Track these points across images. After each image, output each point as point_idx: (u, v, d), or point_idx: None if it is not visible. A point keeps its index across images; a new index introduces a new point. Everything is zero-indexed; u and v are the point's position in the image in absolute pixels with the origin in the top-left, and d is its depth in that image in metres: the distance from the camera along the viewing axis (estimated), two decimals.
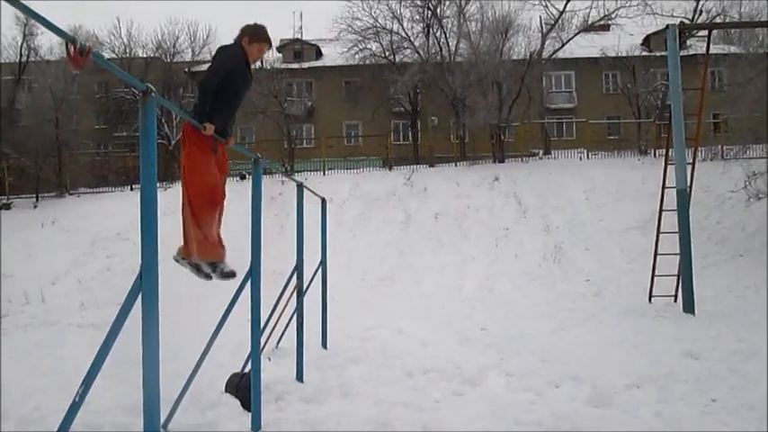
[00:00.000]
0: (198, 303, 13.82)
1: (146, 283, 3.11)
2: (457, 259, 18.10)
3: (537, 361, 7.31)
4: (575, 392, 5.86)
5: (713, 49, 13.71)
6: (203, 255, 4.57)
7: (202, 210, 4.38)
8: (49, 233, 21.55)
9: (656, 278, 12.27)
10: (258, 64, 30.53)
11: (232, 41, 4.68)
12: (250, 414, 5.05)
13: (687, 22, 24.42)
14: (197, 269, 4.70)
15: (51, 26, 2.50)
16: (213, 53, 4.64)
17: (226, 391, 6.03)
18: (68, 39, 2.52)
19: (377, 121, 31.77)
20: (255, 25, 4.72)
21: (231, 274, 4.72)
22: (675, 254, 11.44)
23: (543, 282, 16.21)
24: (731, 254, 15.94)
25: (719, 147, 21.77)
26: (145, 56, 34.88)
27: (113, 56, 33.23)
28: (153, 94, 3.16)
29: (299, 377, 6.65)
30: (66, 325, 13.37)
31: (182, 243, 4.66)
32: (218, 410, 5.55)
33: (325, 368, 7.23)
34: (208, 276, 4.71)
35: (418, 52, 30.13)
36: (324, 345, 8.62)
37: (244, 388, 5.46)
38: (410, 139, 32.73)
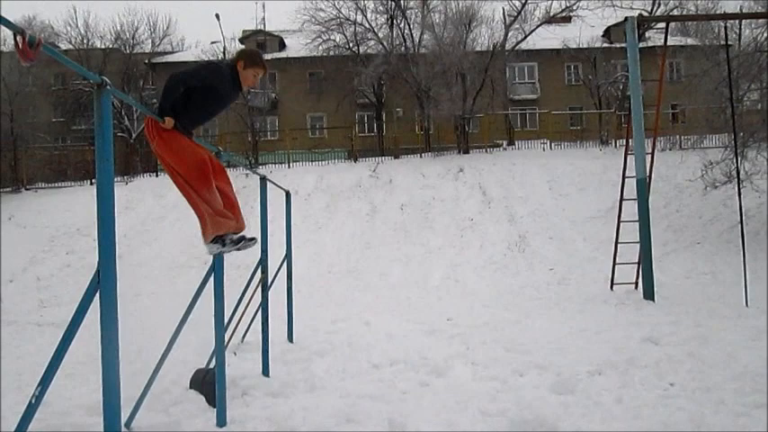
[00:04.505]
0: (162, 299, 13.64)
1: (104, 280, 3.05)
2: (422, 250, 18.17)
3: (502, 350, 7.39)
4: (539, 380, 5.94)
5: (671, 41, 13.97)
6: (216, 229, 4.52)
7: (200, 187, 4.34)
8: (5, 230, 20.93)
9: (617, 266, 12.50)
10: (221, 56, 30.16)
11: (229, 61, 4.73)
12: (215, 410, 5.01)
13: (646, 14, 24.87)
14: (223, 243, 4.62)
15: None
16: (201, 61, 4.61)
17: (190, 387, 5.96)
18: (16, 30, 2.42)
19: (341, 112, 31.66)
20: (251, 51, 4.86)
21: (245, 243, 4.70)
22: (636, 242, 11.68)
23: (508, 271, 16.38)
24: (689, 241, 16.35)
25: (678, 137, 22.24)
26: (103, 47, 34.03)
27: (70, 47, 32.38)
28: (108, 86, 3.08)
29: (265, 372, 6.61)
30: (24, 324, 13.05)
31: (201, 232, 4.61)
32: (183, 407, 5.49)
33: (291, 362, 7.20)
34: (238, 242, 4.67)
35: (382, 44, 30.05)
36: (290, 338, 8.58)
37: (209, 384, 5.40)
38: (375, 130, 32.73)
